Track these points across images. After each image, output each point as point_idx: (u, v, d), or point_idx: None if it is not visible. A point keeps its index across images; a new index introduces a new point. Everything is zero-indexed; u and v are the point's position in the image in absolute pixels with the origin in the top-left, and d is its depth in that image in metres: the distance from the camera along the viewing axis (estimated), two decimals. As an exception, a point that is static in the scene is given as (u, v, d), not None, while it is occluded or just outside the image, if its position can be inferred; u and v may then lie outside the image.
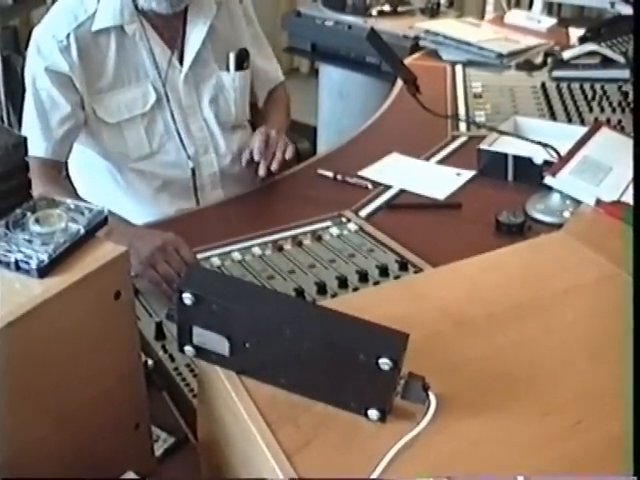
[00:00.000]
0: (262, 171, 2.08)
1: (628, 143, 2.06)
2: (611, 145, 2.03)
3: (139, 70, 2.17)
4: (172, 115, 2.22)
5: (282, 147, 2.13)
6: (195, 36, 2.21)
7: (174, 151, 2.25)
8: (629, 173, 1.89)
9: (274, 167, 2.09)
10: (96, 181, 2.31)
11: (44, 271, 0.99)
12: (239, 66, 2.31)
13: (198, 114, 2.27)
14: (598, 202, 1.62)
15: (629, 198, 1.74)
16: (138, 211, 2.22)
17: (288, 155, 2.12)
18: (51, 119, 2.11)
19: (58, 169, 2.19)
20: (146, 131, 2.21)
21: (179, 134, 2.23)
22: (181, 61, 2.22)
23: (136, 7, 2.10)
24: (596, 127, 2.11)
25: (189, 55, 2.21)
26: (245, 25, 2.35)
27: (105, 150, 2.23)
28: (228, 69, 2.30)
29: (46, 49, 2.09)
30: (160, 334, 1.53)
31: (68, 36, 2.07)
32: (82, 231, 1.04)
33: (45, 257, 0.99)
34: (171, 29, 2.19)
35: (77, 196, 2.12)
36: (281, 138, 2.17)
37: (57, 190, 1.96)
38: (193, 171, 2.27)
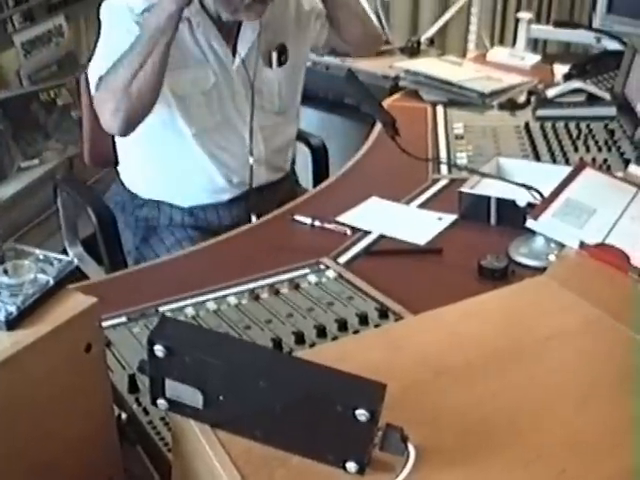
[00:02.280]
0: None
1: (612, 183, 2.09)
2: (595, 186, 2.06)
3: (200, 56, 2.48)
4: (227, 100, 2.54)
5: None
6: (249, 35, 2.52)
7: (229, 133, 2.58)
8: (613, 214, 1.92)
9: None
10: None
11: (13, 323, 1.01)
12: (280, 62, 2.62)
13: (247, 105, 2.57)
14: (582, 245, 1.65)
15: (613, 240, 1.77)
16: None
17: None
18: None
19: None
20: (207, 106, 2.51)
21: (242, 117, 2.58)
22: (234, 53, 2.52)
23: (201, 4, 2.42)
24: (580, 168, 2.13)
25: (241, 50, 2.52)
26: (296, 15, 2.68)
27: (168, 120, 2.50)
28: (271, 65, 2.62)
29: (122, 17, 2.37)
30: (133, 387, 1.54)
31: (143, 12, 2.34)
32: (51, 282, 1.06)
33: (14, 309, 1.01)
34: (228, 25, 2.49)
35: None
36: None
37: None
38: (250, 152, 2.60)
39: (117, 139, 2.69)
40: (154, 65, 2.24)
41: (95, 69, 2.41)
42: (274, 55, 2.60)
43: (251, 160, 2.60)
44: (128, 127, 2.35)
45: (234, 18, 2.43)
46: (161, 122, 2.49)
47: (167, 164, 2.60)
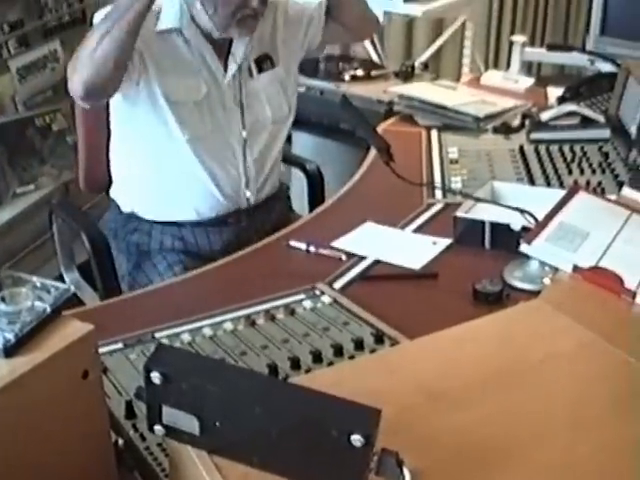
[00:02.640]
0: None
1: (605, 207, 2.10)
2: (588, 209, 2.06)
3: (193, 67, 2.52)
4: (218, 111, 2.56)
5: None
6: (241, 49, 2.56)
7: (221, 144, 2.59)
8: (606, 238, 1.94)
9: None
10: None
11: (10, 351, 1.02)
12: (260, 69, 2.64)
13: (238, 118, 2.60)
14: (575, 268, 1.66)
15: (607, 263, 1.78)
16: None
17: None
18: None
19: None
20: (199, 115, 2.53)
21: (233, 129, 2.59)
22: (225, 68, 2.56)
23: (192, 17, 2.47)
24: (573, 191, 2.14)
25: (233, 65, 2.56)
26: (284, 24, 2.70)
27: (162, 123, 2.51)
28: (252, 75, 2.63)
29: None
30: (130, 413, 1.54)
31: None
32: (48, 310, 1.08)
33: (11, 336, 1.02)
34: (220, 40, 2.52)
35: None
36: None
37: None
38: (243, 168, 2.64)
39: (112, 148, 2.68)
40: (118, 33, 2.22)
41: None
42: (252, 66, 2.62)
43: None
44: (89, 92, 2.31)
45: (226, 35, 2.47)
46: (156, 125, 2.52)
47: (161, 170, 2.60)
